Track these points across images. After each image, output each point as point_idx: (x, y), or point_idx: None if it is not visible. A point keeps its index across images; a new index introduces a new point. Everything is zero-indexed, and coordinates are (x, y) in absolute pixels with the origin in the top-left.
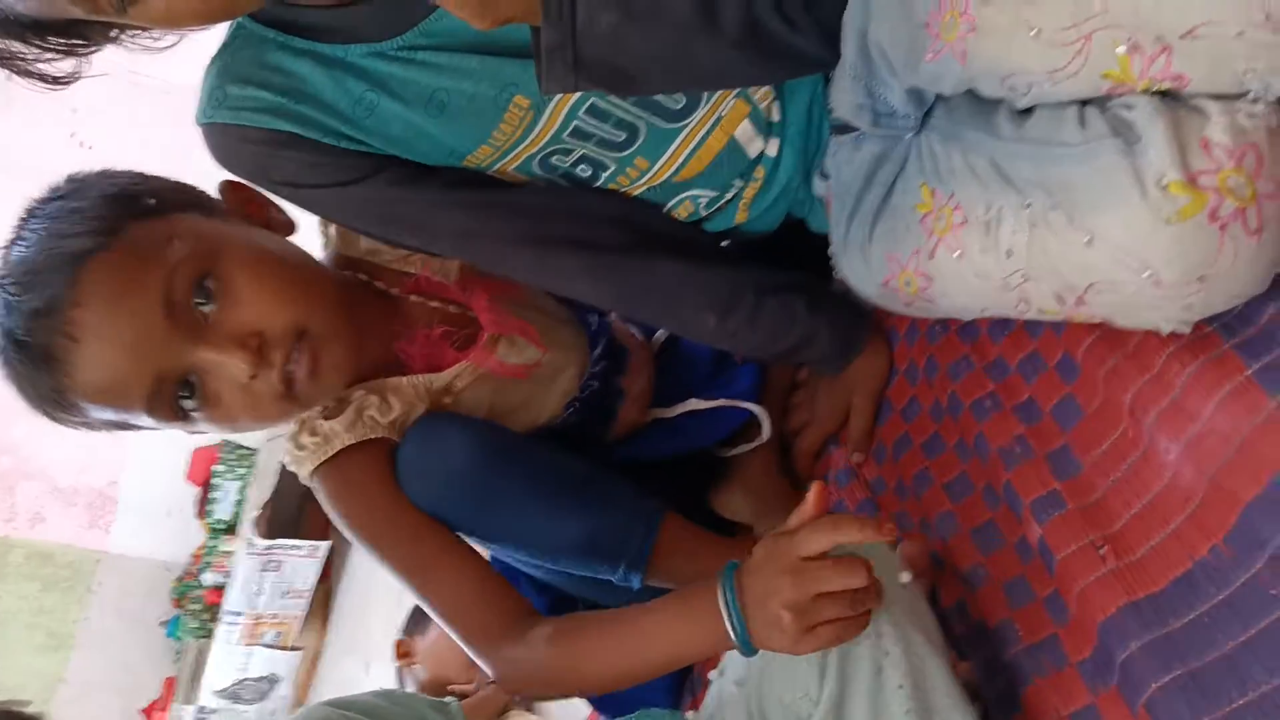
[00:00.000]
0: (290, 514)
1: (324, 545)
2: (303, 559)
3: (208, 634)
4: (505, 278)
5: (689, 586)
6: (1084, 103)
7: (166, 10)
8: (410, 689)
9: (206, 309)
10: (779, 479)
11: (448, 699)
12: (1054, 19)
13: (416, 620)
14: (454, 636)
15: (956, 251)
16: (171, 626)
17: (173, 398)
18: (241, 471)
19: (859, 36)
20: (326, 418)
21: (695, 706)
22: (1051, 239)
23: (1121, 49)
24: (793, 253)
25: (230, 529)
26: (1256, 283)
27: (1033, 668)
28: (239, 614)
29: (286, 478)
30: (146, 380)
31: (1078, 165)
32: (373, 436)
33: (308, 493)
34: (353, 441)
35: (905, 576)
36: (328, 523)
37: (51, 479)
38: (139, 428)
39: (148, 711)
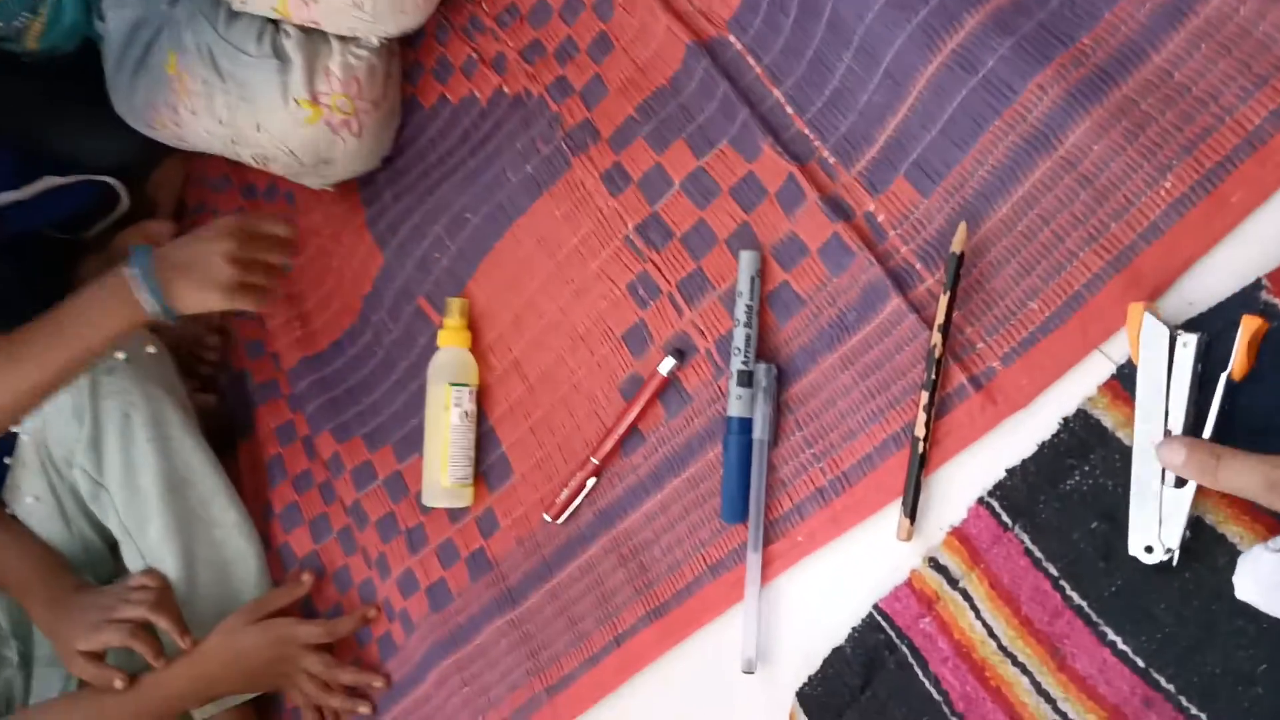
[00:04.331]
0: None
1: None
2: None
3: None
4: None
5: (97, 280)
6: (272, 21)
7: None
8: None
9: None
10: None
11: None
12: None
13: None
14: None
15: (192, 110)
16: None
17: None
18: None
19: None
20: None
21: None
22: (241, 117)
23: None
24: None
25: None
26: (367, 163)
27: (259, 398)
28: None
29: None
30: None
31: (254, 72)
32: None
33: None
34: None
35: (151, 349)
36: None
37: None
38: None
39: None
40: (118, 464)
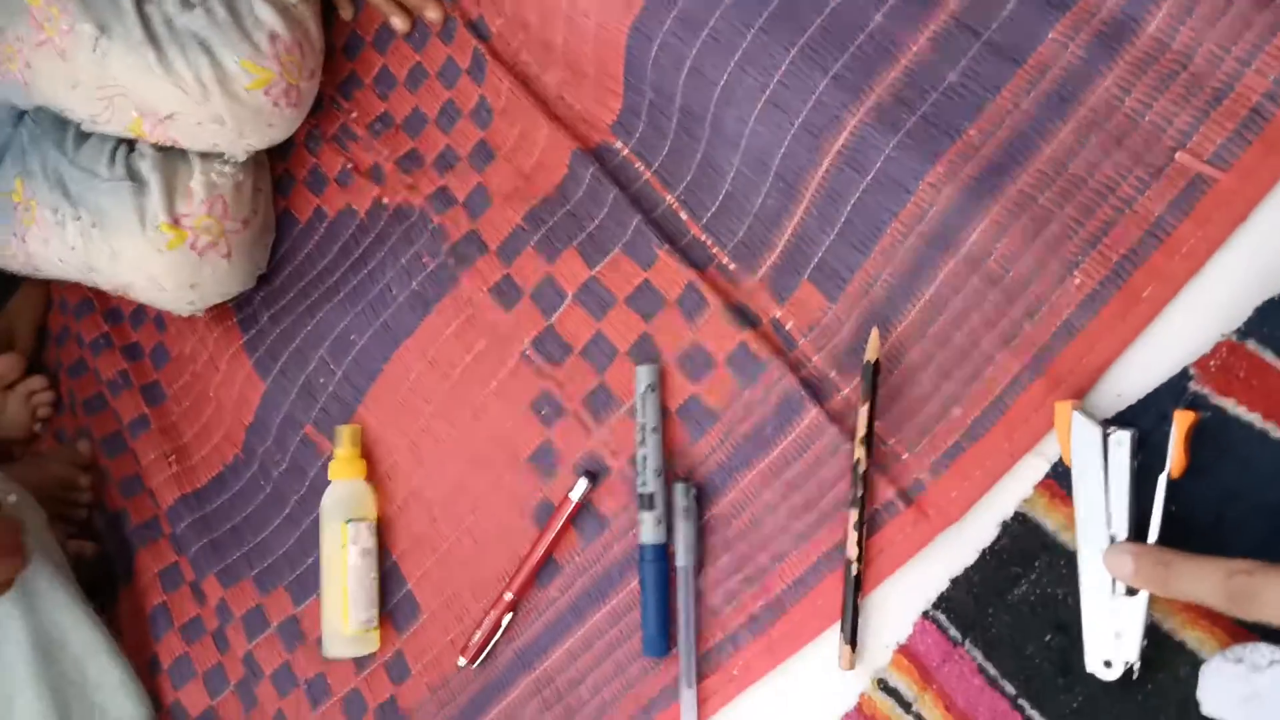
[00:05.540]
0: None
1: None
2: None
3: None
4: None
5: None
6: (125, 141)
7: None
8: None
9: None
10: None
11: None
12: (88, 78)
13: None
14: None
15: (43, 240)
16: None
17: None
18: None
19: None
20: None
21: None
22: (94, 247)
23: (135, 114)
24: None
25: None
26: (240, 284)
27: (138, 541)
28: None
29: None
30: None
31: (107, 196)
32: None
33: None
34: None
35: (13, 498)
36: None
37: None
38: None
39: None
40: None
